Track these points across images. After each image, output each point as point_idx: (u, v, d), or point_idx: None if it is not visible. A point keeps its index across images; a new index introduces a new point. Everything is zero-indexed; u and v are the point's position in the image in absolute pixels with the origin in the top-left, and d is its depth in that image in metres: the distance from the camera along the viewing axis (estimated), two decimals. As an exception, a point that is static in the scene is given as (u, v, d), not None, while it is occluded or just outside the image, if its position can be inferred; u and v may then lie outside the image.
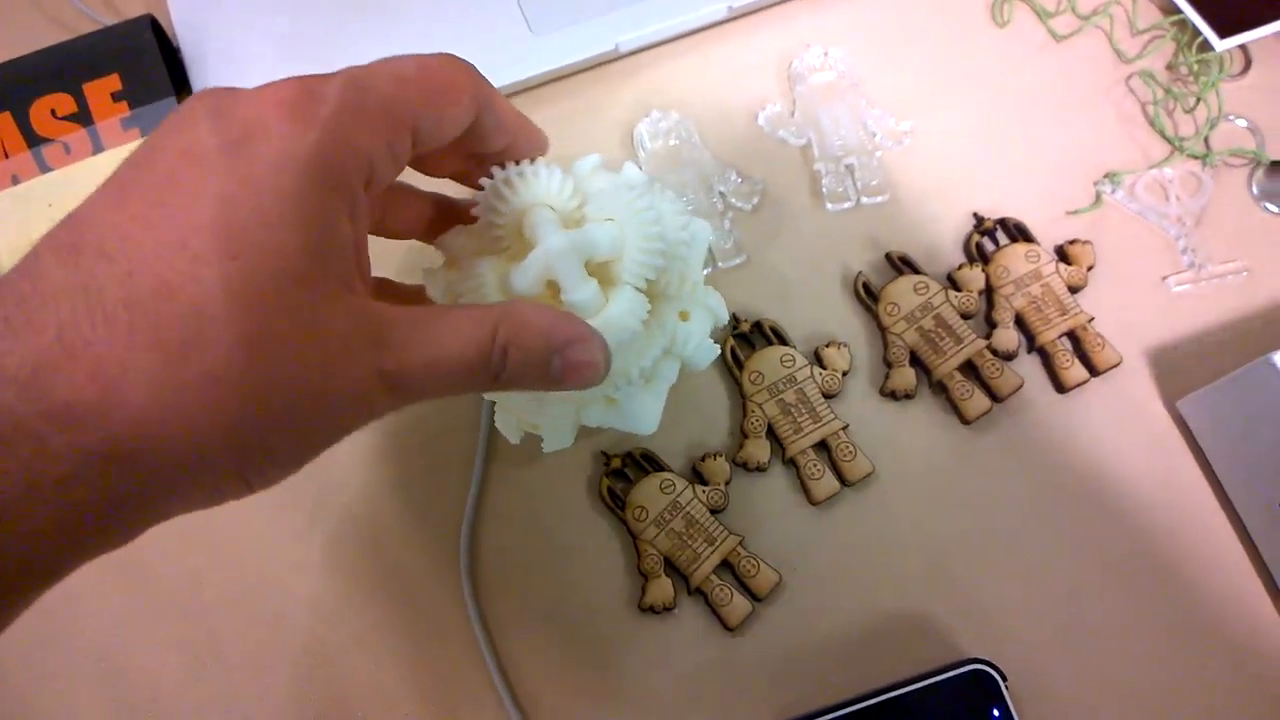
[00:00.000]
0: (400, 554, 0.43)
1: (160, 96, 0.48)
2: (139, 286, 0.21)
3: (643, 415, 0.36)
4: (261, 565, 0.43)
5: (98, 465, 0.21)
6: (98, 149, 0.47)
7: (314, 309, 0.24)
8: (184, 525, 0.43)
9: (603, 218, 0.32)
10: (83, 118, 0.47)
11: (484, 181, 0.32)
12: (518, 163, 0.32)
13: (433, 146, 0.29)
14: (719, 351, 0.37)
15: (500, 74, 0.49)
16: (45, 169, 0.46)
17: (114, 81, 0.48)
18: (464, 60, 0.30)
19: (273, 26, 0.51)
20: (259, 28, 0.51)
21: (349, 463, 0.45)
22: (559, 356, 0.28)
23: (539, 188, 0.32)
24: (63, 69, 0.48)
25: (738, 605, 0.41)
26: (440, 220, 0.36)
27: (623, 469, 0.43)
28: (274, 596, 0.43)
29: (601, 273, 0.33)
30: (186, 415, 0.22)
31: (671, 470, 0.43)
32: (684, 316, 0.36)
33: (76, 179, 0.46)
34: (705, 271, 0.46)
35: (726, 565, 0.41)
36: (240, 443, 0.23)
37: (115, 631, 0.43)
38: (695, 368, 0.37)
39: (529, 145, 0.33)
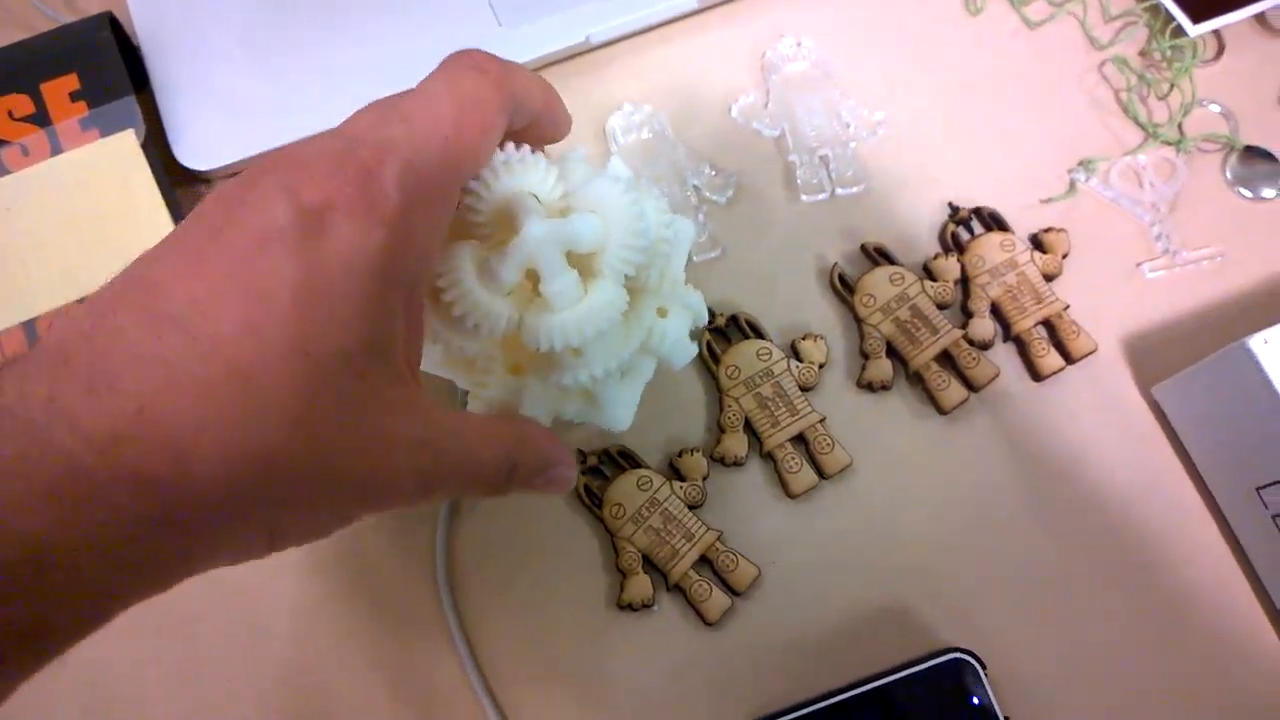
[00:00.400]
0: (376, 557, 0.43)
1: (120, 95, 0.47)
2: (214, 367, 0.22)
3: (617, 411, 0.35)
4: (237, 574, 0.42)
5: (155, 530, 0.22)
6: (56, 150, 0.46)
7: (369, 405, 0.25)
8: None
9: (587, 209, 0.32)
10: (40, 118, 0.46)
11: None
12: (502, 147, 0.31)
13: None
14: (696, 351, 0.37)
15: (469, 68, 0.49)
16: (4, 172, 0.45)
17: (72, 81, 0.47)
18: (493, 64, 0.29)
19: (236, 23, 0.50)
20: (222, 25, 0.50)
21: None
22: (542, 477, 0.32)
23: (524, 176, 0.31)
24: (19, 69, 0.47)
25: (717, 600, 0.41)
26: None
27: (599, 466, 0.43)
28: (251, 606, 0.42)
29: (583, 264, 0.32)
30: (239, 491, 0.23)
31: (649, 467, 0.43)
32: (662, 313, 0.36)
33: (35, 182, 0.45)
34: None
35: (705, 561, 0.41)
36: (277, 523, 0.25)
37: (94, 649, 0.42)
38: (672, 367, 0.37)
39: (553, 126, 0.33)
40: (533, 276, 0.31)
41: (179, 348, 0.22)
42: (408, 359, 0.27)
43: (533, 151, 0.31)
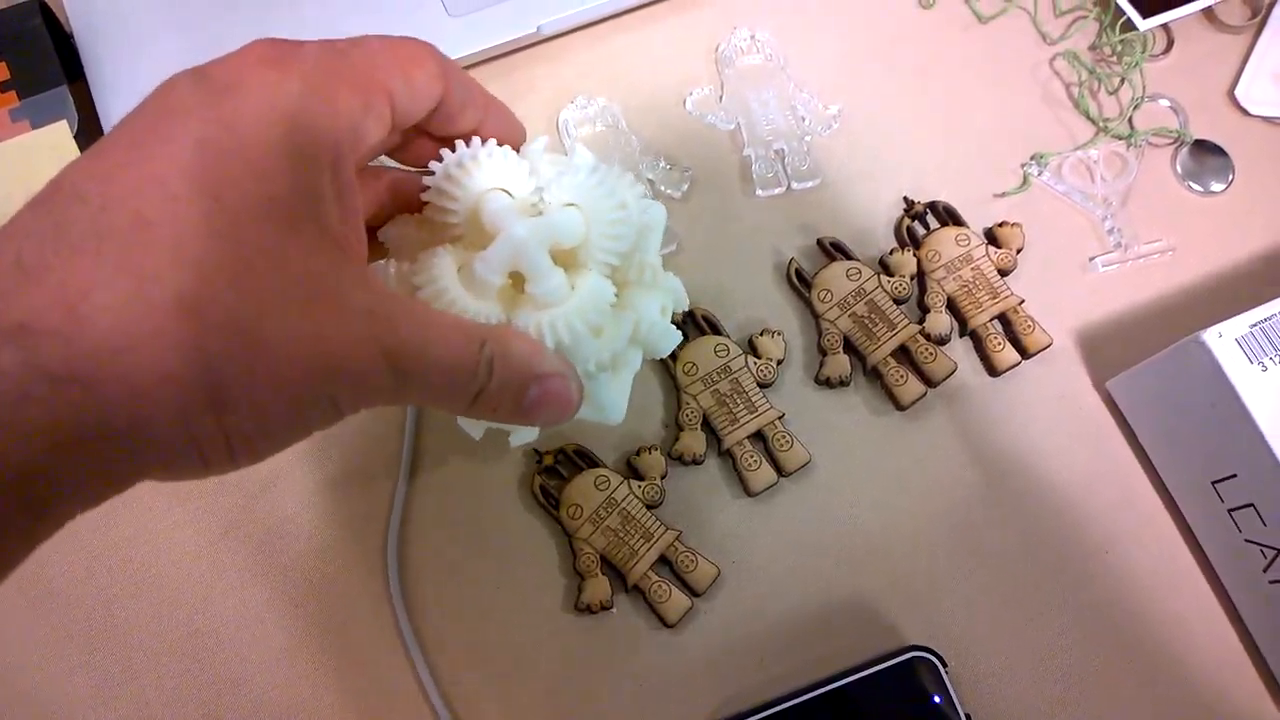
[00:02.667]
0: (324, 561, 0.42)
1: (51, 85, 0.45)
2: (111, 220, 0.21)
3: (612, 403, 0.34)
4: (176, 581, 0.41)
5: (54, 386, 0.20)
6: (-14, 142, 0.44)
7: (303, 258, 0.23)
8: (91, 540, 0.41)
9: (563, 202, 0.31)
10: (-32, 108, 0.44)
11: (434, 166, 0.31)
12: (469, 144, 0.31)
13: (408, 118, 0.29)
14: (681, 337, 0.36)
15: (418, 59, 0.47)
16: (-71, 164, 0.43)
17: (1, 71, 0.45)
18: (425, 40, 0.29)
19: (173, 11, 0.48)
20: (158, 13, 0.48)
21: (267, 467, 0.43)
22: (537, 385, 0.28)
23: (494, 172, 0.30)
24: (-55, 58, 0.45)
25: (676, 601, 0.40)
26: (394, 205, 0.34)
27: (555, 466, 0.42)
28: (190, 613, 0.41)
29: (565, 258, 0.31)
30: (157, 342, 0.20)
31: (605, 466, 0.42)
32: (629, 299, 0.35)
33: (-39, 175, 0.43)
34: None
35: (664, 561, 0.41)
36: (219, 385, 0.21)
37: (20, 655, 0.40)
38: (658, 353, 0.36)
39: (501, 126, 0.32)
40: (516, 276, 0.30)
41: (70, 212, 0.21)
42: (345, 231, 0.25)
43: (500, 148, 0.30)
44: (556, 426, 0.31)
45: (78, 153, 0.44)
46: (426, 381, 0.26)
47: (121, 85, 0.47)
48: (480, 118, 0.31)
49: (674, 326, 0.35)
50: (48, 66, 0.45)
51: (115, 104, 0.46)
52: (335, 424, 0.25)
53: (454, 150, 0.30)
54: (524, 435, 0.36)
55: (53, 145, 0.44)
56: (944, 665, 0.38)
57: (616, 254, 0.31)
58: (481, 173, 0.30)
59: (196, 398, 0.21)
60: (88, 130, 0.45)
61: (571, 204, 0.31)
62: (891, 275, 0.45)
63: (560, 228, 0.30)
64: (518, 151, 0.32)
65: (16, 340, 0.19)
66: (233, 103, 0.23)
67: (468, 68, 0.49)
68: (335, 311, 0.23)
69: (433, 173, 0.31)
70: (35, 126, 0.44)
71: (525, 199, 0.31)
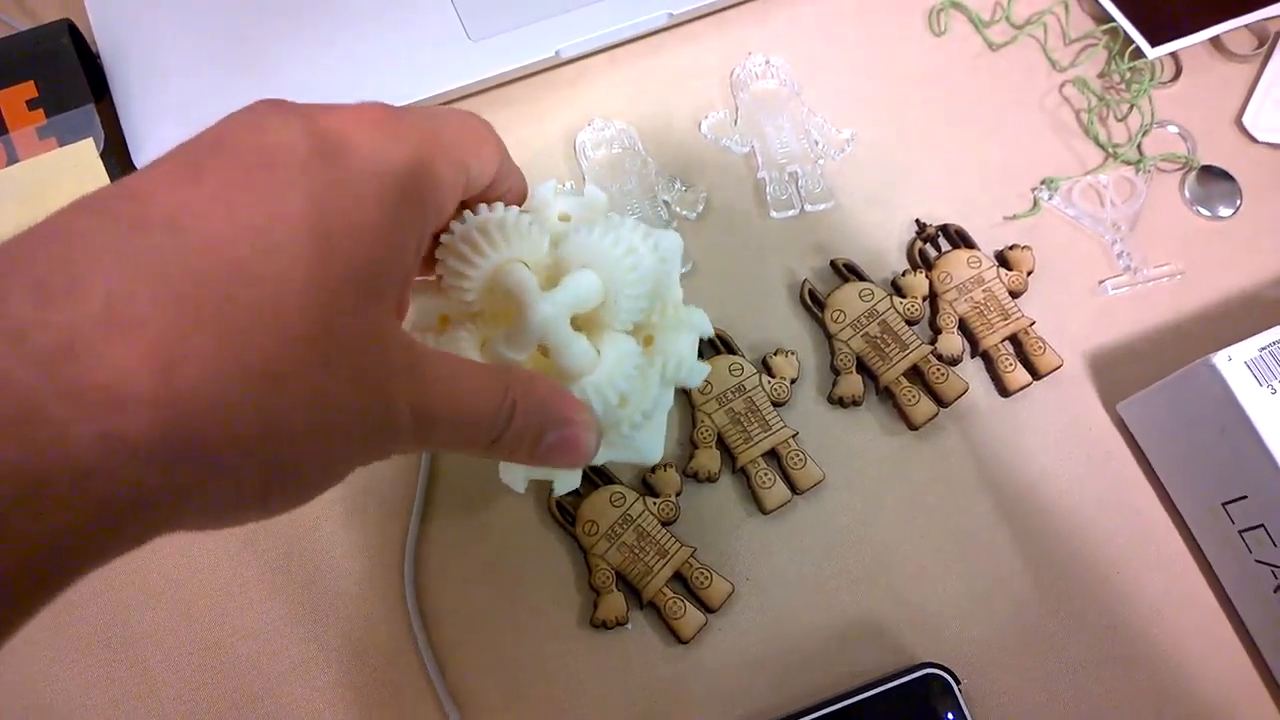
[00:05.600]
0: (342, 575, 0.42)
1: (78, 104, 0.45)
2: (208, 267, 0.19)
3: (650, 445, 0.34)
4: (194, 594, 0.42)
5: (128, 457, 0.18)
6: (12, 159, 0.44)
7: (376, 327, 0.23)
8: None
9: (578, 264, 0.31)
10: (-4, 126, 0.45)
11: (445, 239, 0.30)
12: (476, 211, 0.30)
13: (471, 192, 0.29)
14: (708, 370, 0.36)
15: (437, 81, 0.48)
16: (-43, 180, 0.44)
17: (29, 89, 0.46)
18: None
19: (198, 32, 0.49)
20: (184, 33, 0.49)
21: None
22: (555, 432, 0.28)
23: (512, 243, 0.30)
24: (-25, 76, 0.46)
25: (691, 618, 0.40)
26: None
27: (571, 482, 0.42)
28: (208, 626, 0.41)
29: (586, 321, 0.31)
30: (234, 409, 0.19)
31: (621, 483, 0.42)
32: (653, 340, 0.35)
33: (-9, 190, 0.44)
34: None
35: (679, 577, 0.41)
36: (274, 450, 0.21)
37: (38, 668, 0.41)
38: (688, 386, 0.36)
39: (516, 191, 0.32)
40: (541, 348, 0.31)
41: (165, 247, 0.19)
42: (407, 298, 0.26)
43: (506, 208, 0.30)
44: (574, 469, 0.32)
45: (103, 170, 0.45)
46: (452, 429, 0.26)
47: (147, 104, 0.47)
48: (506, 188, 0.31)
49: (704, 363, 0.35)
50: (75, 85, 0.46)
51: (141, 122, 0.47)
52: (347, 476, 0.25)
53: (463, 222, 0.30)
54: (566, 484, 0.36)
55: (78, 162, 0.45)
56: (957, 683, 0.38)
57: (639, 309, 0.31)
58: (494, 248, 0.29)
59: (256, 473, 0.21)
60: (113, 148, 0.46)
61: (584, 265, 0.31)
62: (904, 296, 0.46)
63: (580, 297, 0.30)
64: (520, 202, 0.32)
65: (90, 405, 0.17)
66: (344, 162, 0.22)
67: (487, 90, 0.50)
68: (385, 380, 0.23)
69: (451, 231, 0.30)
70: (62, 144, 0.45)
71: (540, 261, 0.31)
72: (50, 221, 0.19)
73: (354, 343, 0.22)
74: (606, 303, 0.31)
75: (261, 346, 0.19)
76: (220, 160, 0.21)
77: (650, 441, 0.34)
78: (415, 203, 0.24)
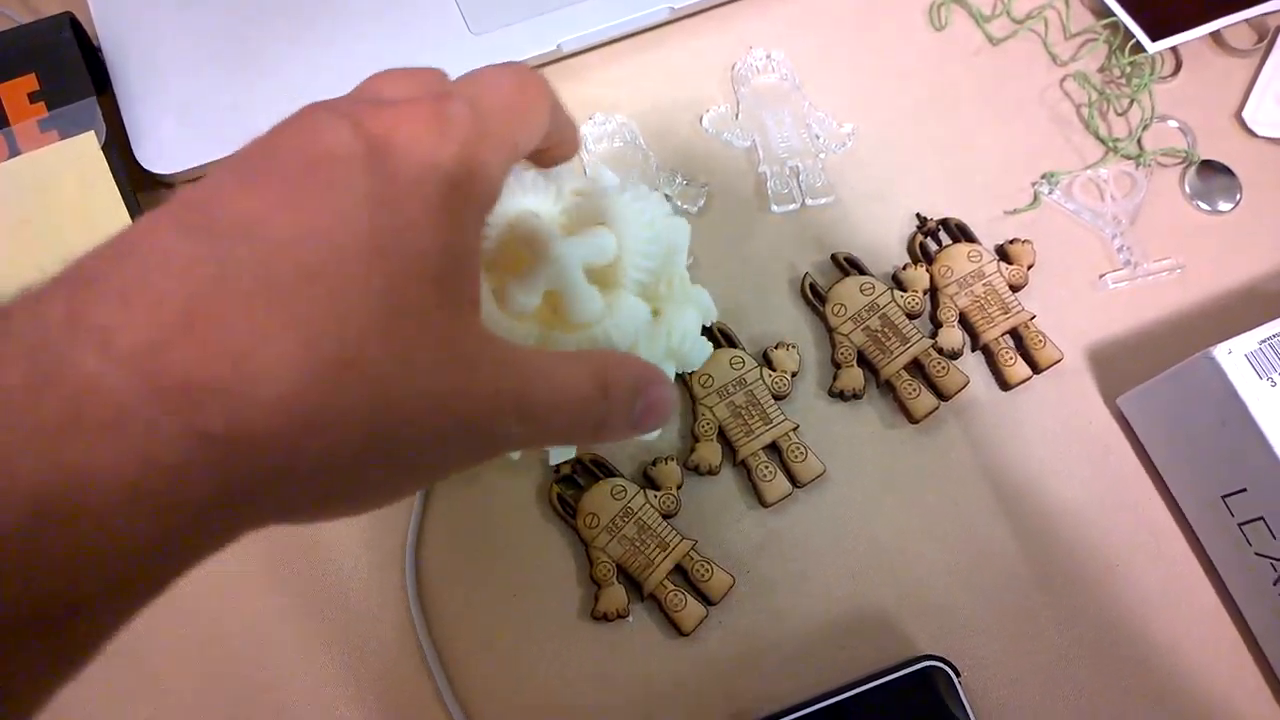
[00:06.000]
0: (343, 568, 0.42)
1: (80, 97, 0.45)
2: (278, 268, 0.20)
3: None
4: (194, 589, 0.41)
5: (216, 453, 0.18)
6: (14, 152, 0.44)
7: (448, 320, 0.23)
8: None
9: (594, 222, 0.31)
10: (-3, 119, 0.45)
11: None
12: None
13: (519, 157, 0.28)
14: (712, 349, 0.36)
15: (439, 75, 0.48)
16: (-41, 173, 0.44)
17: (31, 82, 0.46)
18: (538, 73, 0.29)
19: (200, 25, 0.49)
20: (186, 27, 0.49)
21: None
22: (642, 398, 0.28)
23: (524, 196, 0.30)
24: (-24, 69, 0.46)
25: (692, 610, 0.40)
26: None
27: (573, 475, 0.42)
28: (208, 620, 0.41)
29: (597, 278, 0.31)
30: (317, 404, 0.20)
31: (622, 476, 0.42)
32: (661, 314, 0.35)
33: (-7, 183, 0.44)
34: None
35: (680, 570, 0.41)
36: (372, 438, 0.21)
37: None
38: (691, 366, 0.36)
39: (570, 145, 0.32)
40: (551, 297, 0.31)
41: (237, 251, 0.19)
42: (474, 288, 0.25)
43: (526, 170, 0.31)
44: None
45: (104, 163, 0.45)
46: (555, 419, 0.26)
47: (149, 98, 0.47)
48: (559, 140, 0.31)
49: (708, 342, 0.36)
50: (76, 78, 0.46)
51: (142, 116, 0.47)
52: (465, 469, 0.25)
53: None
54: (561, 453, 0.36)
55: (80, 156, 0.45)
56: (957, 675, 0.38)
57: (648, 271, 0.32)
58: (511, 197, 0.30)
59: (350, 458, 0.21)
60: (115, 141, 0.46)
61: (601, 223, 0.31)
62: (904, 290, 0.46)
63: (596, 246, 0.30)
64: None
65: (178, 402, 0.18)
66: (395, 159, 0.23)
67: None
68: (470, 368, 0.23)
69: None
70: (63, 137, 0.45)
71: (552, 218, 0.31)
72: (121, 237, 0.20)
73: (432, 336, 0.22)
74: (619, 262, 0.31)
75: (335, 338, 0.20)
76: (277, 166, 0.22)
77: None
78: (467, 197, 0.24)
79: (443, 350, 0.22)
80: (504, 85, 0.27)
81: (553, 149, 0.31)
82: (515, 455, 0.35)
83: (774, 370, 0.44)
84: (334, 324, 0.20)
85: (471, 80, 0.27)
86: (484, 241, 0.31)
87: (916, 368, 0.44)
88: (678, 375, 0.44)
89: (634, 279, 0.31)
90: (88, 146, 0.45)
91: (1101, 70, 0.52)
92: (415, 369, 0.22)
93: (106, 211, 0.44)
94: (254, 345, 0.19)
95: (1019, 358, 0.45)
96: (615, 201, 0.31)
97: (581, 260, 0.30)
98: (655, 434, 0.35)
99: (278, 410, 0.19)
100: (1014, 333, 0.45)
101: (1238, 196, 0.49)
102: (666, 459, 0.42)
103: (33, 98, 0.45)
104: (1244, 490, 0.39)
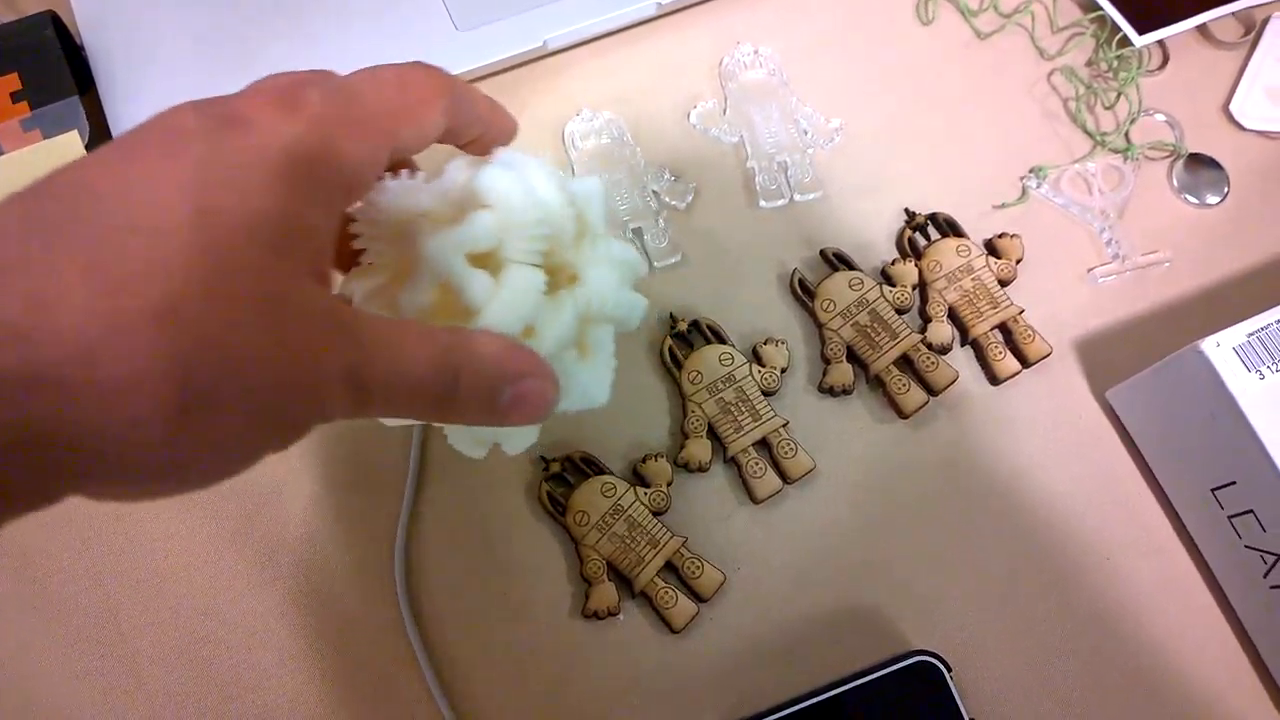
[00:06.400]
0: (332, 568, 0.42)
1: (63, 96, 0.45)
2: (93, 221, 0.21)
3: (592, 388, 0.33)
4: (182, 588, 0.41)
5: (14, 387, 0.19)
6: (-3, 152, 0.44)
7: (281, 284, 0.23)
8: (98, 547, 0.41)
9: (478, 208, 0.31)
10: (-20, 119, 0.45)
11: (353, 211, 0.30)
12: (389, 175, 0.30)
13: (411, 154, 0.29)
14: (644, 303, 0.35)
15: (425, 72, 0.48)
16: (-60, 173, 0.44)
17: (13, 81, 0.45)
18: (437, 67, 0.30)
19: (184, 23, 0.49)
20: (169, 24, 0.49)
21: (275, 474, 0.43)
22: (510, 387, 0.28)
23: (407, 199, 0.30)
24: (-43, 68, 0.45)
25: (683, 607, 0.40)
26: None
27: (562, 473, 0.42)
28: (197, 620, 0.41)
29: (493, 261, 0.31)
30: (127, 346, 0.20)
31: (612, 473, 0.42)
32: (577, 279, 0.34)
33: (-26, 183, 0.44)
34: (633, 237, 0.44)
35: (670, 567, 0.41)
36: (186, 392, 0.21)
37: (27, 661, 0.40)
38: (626, 327, 0.35)
39: (502, 132, 0.33)
40: (448, 291, 0.30)
41: (49, 209, 0.21)
42: (329, 270, 0.26)
43: (412, 175, 0.31)
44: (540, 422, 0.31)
45: (89, 162, 0.44)
46: (390, 393, 0.26)
47: (132, 96, 0.47)
48: (482, 130, 0.32)
49: (638, 295, 0.34)
50: (59, 77, 0.46)
51: (126, 114, 0.46)
52: (292, 444, 0.24)
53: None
54: (520, 442, 0.36)
55: (64, 155, 0.44)
56: (948, 670, 0.38)
57: (542, 240, 0.31)
58: (395, 199, 0.30)
59: (163, 404, 0.21)
60: (98, 140, 0.45)
61: (484, 206, 0.30)
62: (893, 285, 0.46)
63: (469, 234, 0.30)
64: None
65: None
66: (236, 133, 0.23)
67: (474, 81, 0.50)
68: (308, 338, 0.23)
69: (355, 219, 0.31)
70: (46, 136, 0.44)
71: (443, 213, 0.31)
72: None
73: (260, 296, 0.22)
74: (506, 240, 0.30)
75: (141, 289, 0.20)
76: (124, 141, 0.23)
77: (593, 383, 0.33)
78: (312, 173, 0.24)
79: (271, 311, 0.23)
80: (385, 80, 0.28)
81: (480, 139, 0.32)
82: (476, 454, 0.35)
83: (763, 366, 0.44)
84: (145, 275, 0.21)
85: (357, 74, 0.27)
86: (377, 250, 0.31)
87: (906, 363, 0.44)
88: (666, 371, 0.44)
89: (522, 251, 0.30)
90: (71, 146, 0.44)
91: (1089, 64, 0.52)
92: (238, 325, 0.22)
93: (90, 211, 0.44)
94: (53, 289, 0.20)
95: (1008, 352, 0.45)
96: (490, 181, 0.30)
97: (459, 249, 0.29)
98: (532, 435, 0.34)
99: (76, 355, 0.19)
100: (1003, 327, 0.45)
101: (1225, 189, 0.49)
102: (656, 456, 0.42)
103: (15, 97, 0.45)
104: (1233, 483, 0.39)
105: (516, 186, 0.30)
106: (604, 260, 0.34)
